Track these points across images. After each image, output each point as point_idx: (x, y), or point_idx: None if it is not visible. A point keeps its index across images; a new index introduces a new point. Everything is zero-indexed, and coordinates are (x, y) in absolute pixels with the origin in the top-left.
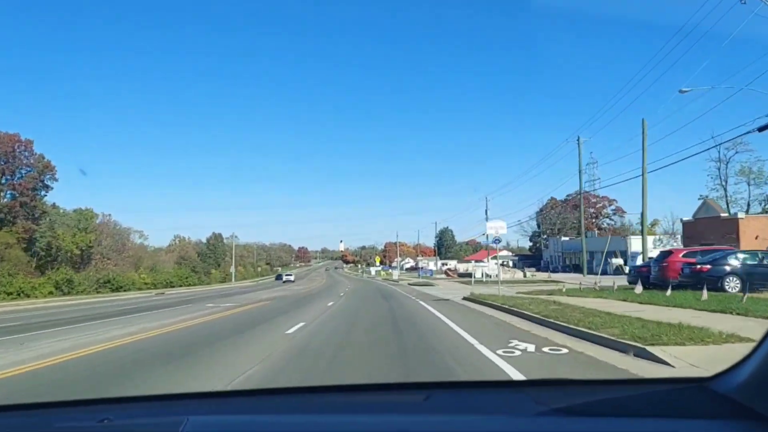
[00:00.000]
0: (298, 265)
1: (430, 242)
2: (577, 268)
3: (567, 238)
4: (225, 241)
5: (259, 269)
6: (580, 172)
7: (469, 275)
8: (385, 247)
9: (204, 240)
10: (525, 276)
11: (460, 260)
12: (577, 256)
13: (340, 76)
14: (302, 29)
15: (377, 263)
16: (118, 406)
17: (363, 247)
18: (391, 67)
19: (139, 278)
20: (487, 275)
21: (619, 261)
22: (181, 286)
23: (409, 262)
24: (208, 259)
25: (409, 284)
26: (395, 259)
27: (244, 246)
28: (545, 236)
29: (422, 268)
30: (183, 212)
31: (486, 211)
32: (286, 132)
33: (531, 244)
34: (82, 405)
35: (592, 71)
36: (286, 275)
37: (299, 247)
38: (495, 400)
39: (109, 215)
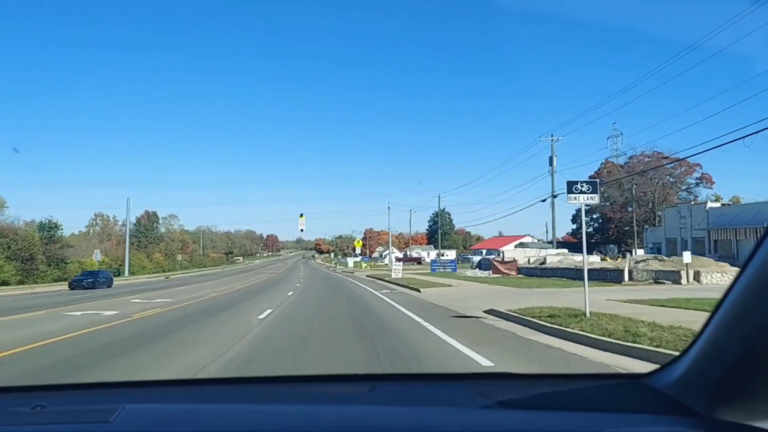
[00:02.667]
0: (265, 254)
1: (413, 230)
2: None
3: (716, 204)
4: (161, 221)
5: (180, 259)
6: None
7: (555, 271)
8: (365, 234)
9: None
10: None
11: (462, 250)
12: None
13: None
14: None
15: (357, 249)
16: (52, 393)
17: (340, 236)
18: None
19: None
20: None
21: None
22: None
23: (394, 252)
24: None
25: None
26: (376, 249)
27: (193, 231)
28: (648, 207)
29: (419, 257)
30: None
31: (551, 158)
32: (252, 116)
33: (575, 227)
34: (16, 391)
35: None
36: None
37: (267, 235)
38: (439, 393)
39: None
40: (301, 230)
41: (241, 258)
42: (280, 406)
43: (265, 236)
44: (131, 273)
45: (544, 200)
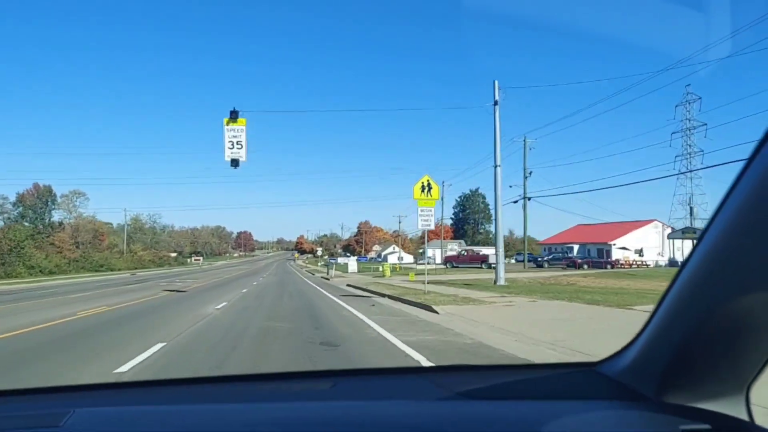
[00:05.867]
0: (236, 254)
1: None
2: None
3: None
4: (60, 199)
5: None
6: None
7: None
8: (358, 229)
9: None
10: None
11: (516, 249)
12: None
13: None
14: None
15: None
16: None
17: (324, 236)
18: None
19: None
20: None
21: None
22: None
23: (396, 251)
24: None
25: None
26: (373, 248)
27: (133, 223)
28: None
29: (485, 256)
30: None
31: None
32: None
33: None
34: None
35: None
36: None
37: (239, 233)
38: (399, 386)
39: None
40: (234, 162)
41: (200, 259)
42: (240, 405)
43: (236, 234)
44: None
45: None
